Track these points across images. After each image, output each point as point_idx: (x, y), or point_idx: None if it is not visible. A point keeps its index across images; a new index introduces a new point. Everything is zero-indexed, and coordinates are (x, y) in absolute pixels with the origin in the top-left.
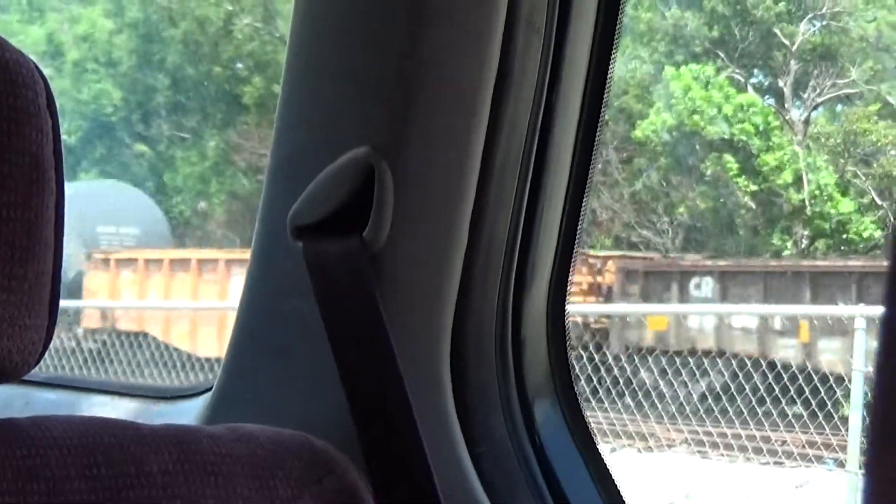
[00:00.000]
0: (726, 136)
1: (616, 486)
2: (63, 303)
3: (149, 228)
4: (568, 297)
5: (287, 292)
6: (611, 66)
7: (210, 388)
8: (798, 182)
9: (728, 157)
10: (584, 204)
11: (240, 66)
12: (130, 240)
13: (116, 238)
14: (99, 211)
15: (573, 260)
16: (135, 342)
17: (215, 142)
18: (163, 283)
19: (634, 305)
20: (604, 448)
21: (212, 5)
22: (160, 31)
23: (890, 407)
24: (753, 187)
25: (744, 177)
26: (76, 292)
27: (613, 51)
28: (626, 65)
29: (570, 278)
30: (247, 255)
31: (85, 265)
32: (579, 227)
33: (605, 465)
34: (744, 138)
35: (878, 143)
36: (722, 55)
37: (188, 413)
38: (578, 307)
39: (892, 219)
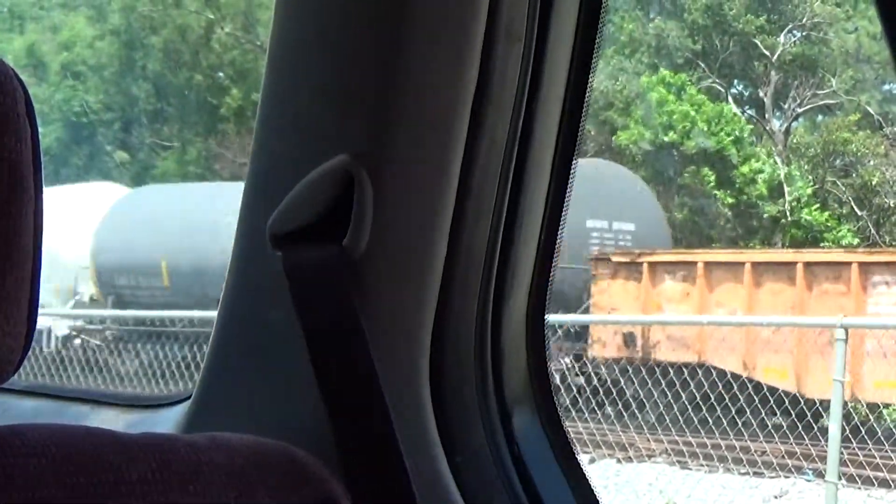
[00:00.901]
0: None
1: (594, 495)
2: (559, 318)
3: (647, 223)
4: (547, 307)
5: (266, 301)
6: (591, 75)
7: (189, 397)
8: (774, 193)
9: (706, 170)
10: (563, 213)
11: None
12: (626, 238)
13: (610, 236)
14: (591, 198)
15: (552, 269)
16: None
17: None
18: (735, 293)
19: (613, 316)
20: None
21: (193, 14)
22: (141, 39)
23: None
24: (730, 199)
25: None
26: (570, 302)
27: (593, 61)
28: (611, 77)
29: (549, 287)
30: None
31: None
32: (559, 236)
33: (583, 474)
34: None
35: (858, 154)
36: (703, 66)
37: (167, 421)
38: (557, 317)
39: (871, 228)
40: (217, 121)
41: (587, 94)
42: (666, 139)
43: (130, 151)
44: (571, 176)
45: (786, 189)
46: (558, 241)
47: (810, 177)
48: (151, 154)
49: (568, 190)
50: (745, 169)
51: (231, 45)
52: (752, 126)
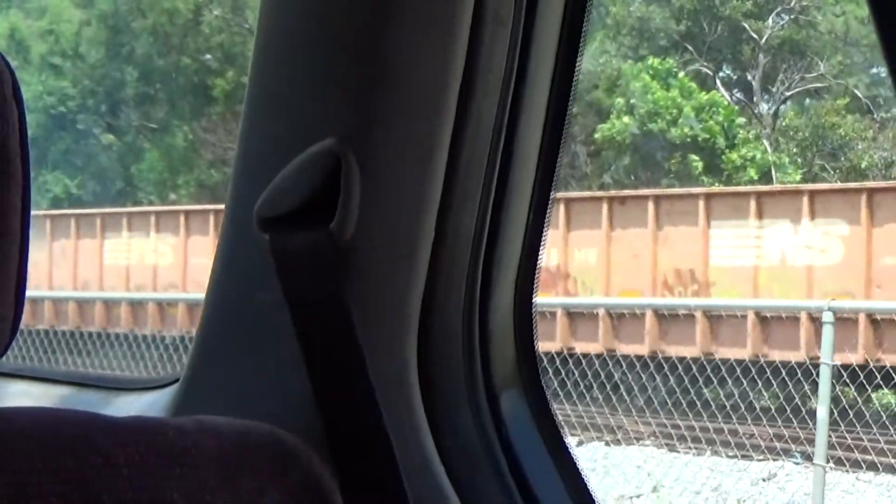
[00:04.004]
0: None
1: (582, 477)
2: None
3: None
4: (535, 290)
5: (254, 284)
6: (578, 59)
7: (177, 380)
8: (764, 179)
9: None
10: (551, 197)
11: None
12: None
13: None
14: None
15: (540, 253)
16: None
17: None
18: None
19: (602, 299)
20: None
21: None
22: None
23: None
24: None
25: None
26: None
27: (581, 44)
28: (595, 59)
29: (537, 271)
30: None
31: None
32: (546, 220)
33: (571, 457)
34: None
35: (846, 137)
36: (690, 49)
37: (155, 405)
38: (546, 299)
39: None
40: (206, 104)
41: (574, 79)
42: (653, 127)
43: (117, 134)
44: (559, 160)
45: (774, 176)
46: (546, 225)
47: (799, 160)
48: (138, 136)
49: (555, 174)
50: (733, 156)
51: (220, 27)
52: (740, 112)
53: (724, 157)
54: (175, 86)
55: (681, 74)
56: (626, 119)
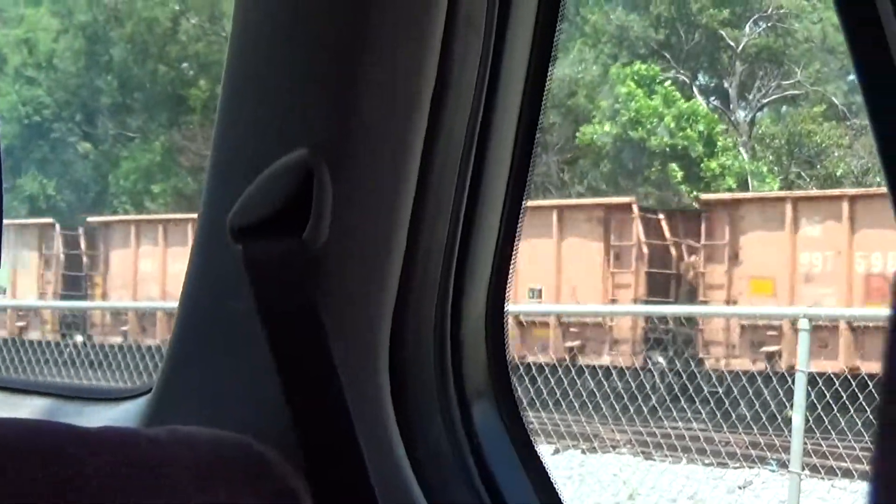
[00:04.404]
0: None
1: (553, 486)
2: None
3: None
4: (507, 299)
5: (227, 293)
6: (550, 66)
7: (150, 390)
8: (742, 187)
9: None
10: (523, 206)
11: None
12: None
13: None
14: None
15: (512, 261)
16: None
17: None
18: None
19: (573, 306)
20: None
21: (158, 4)
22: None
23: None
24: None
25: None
26: None
27: (553, 51)
28: (574, 66)
29: (509, 280)
30: None
31: None
32: (518, 228)
33: (542, 465)
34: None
35: (823, 145)
36: (668, 56)
37: (128, 415)
38: (519, 307)
39: None
40: (184, 112)
41: (546, 87)
42: (633, 134)
43: (94, 142)
44: (531, 167)
45: (751, 184)
46: (518, 233)
47: (775, 168)
48: (116, 145)
49: (528, 181)
50: (712, 164)
51: (197, 36)
52: (719, 119)
53: (703, 165)
54: (152, 94)
55: (667, 83)
56: (607, 127)
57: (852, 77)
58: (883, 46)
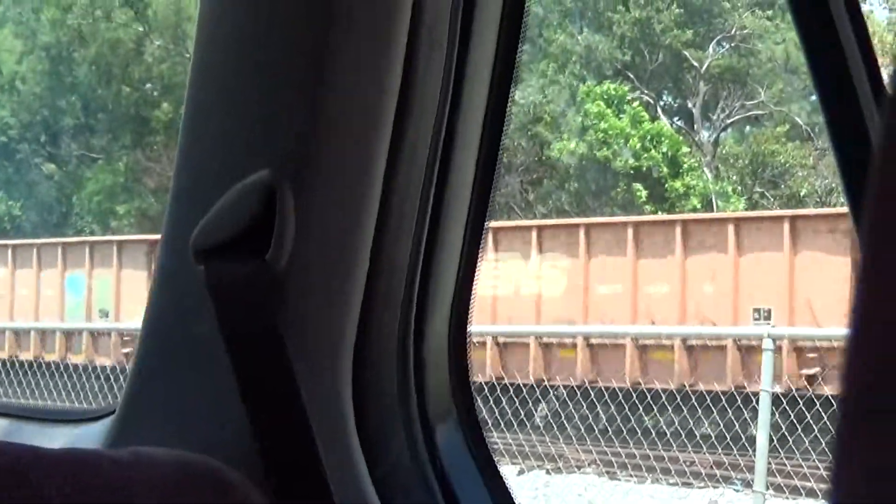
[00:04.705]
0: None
1: None
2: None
3: None
4: (470, 320)
5: (190, 315)
6: (513, 84)
7: (113, 411)
8: (708, 207)
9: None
10: (485, 226)
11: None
12: None
13: None
14: None
15: (474, 282)
16: None
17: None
18: None
19: (546, 327)
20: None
21: (122, 26)
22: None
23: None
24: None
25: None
26: None
27: (515, 69)
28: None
29: (472, 301)
30: None
31: None
32: (481, 249)
33: (505, 485)
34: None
35: (787, 165)
36: (632, 77)
37: (91, 436)
38: (483, 327)
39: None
40: (147, 133)
41: (509, 104)
42: (599, 154)
43: (59, 163)
44: (494, 187)
45: (715, 205)
46: (481, 252)
47: (739, 188)
48: (80, 166)
49: (490, 200)
50: (677, 184)
51: (161, 57)
52: (683, 140)
53: (667, 185)
54: (116, 115)
55: (635, 103)
56: (572, 145)
57: (816, 97)
58: (842, 66)
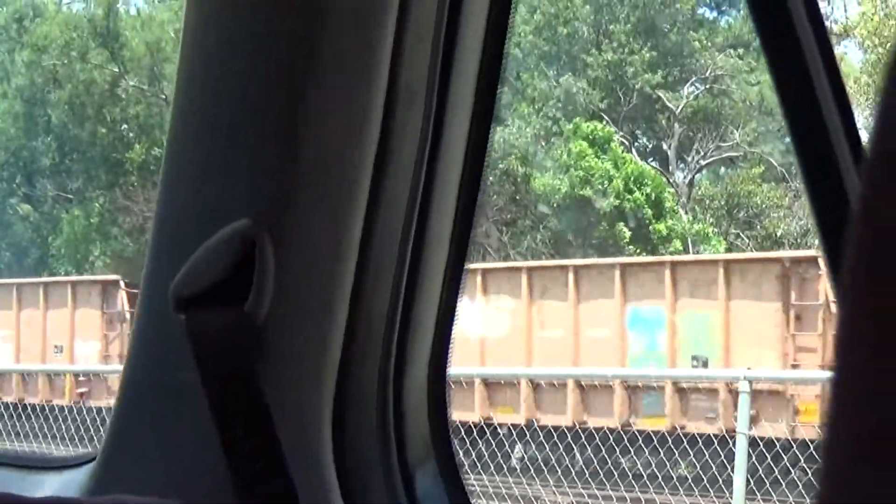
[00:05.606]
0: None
1: None
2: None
3: None
4: (448, 364)
5: (170, 362)
6: (490, 133)
7: (94, 458)
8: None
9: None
10: (463, 274)
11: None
12: None
13: None
14: None
15: (452, 330)
16: None
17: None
18: None
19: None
20: None
21: (97, 67)
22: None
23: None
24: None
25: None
26: None
27: (493, 118)
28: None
29: (449, 348)
30: None
31: None
32: (459, 293)
33: None
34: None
35: (762, 206)
36: (607, 119)
37: (72, 484)
38: (461, 369)
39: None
40: (122, 174)
41: (487, 152)
42: (582, 194)
43: (33, 204)
44: (471, 234)
45: (691, 246)
46: (459, 300)
47: (714, 229)
48: (55, 206)
49: (468, 248)
50: (660, 227)
51: (136, 98)
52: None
53: (651, 227)
54: (91, 156)
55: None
56: (559, 182)
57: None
58: (816, 109)
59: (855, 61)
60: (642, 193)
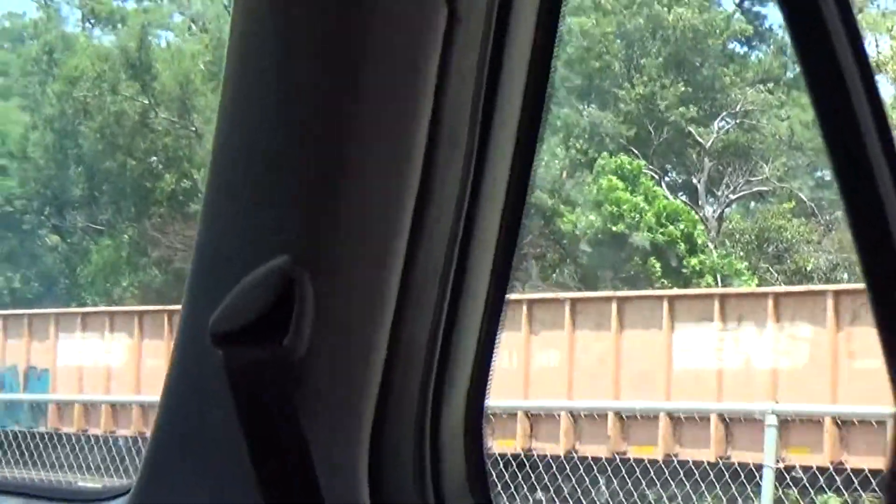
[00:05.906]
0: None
1: None
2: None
3: None
4: (486, 400)
5: (207, 397)
6: (531, 181)
7: (127, 492)
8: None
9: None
10: (504, 306)
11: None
12: None
13: None
14: None
15: (492, 364)
16: None
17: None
18: None
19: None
20: None
21: (128, 99)
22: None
23: None
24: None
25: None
26: None
27: (534, 167)
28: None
29: (488, 380)
30: None
31: None
32: (499, 329)
33: None
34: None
35: (793, 240)
36: (637, 153)
37: None
38: (497, 402)
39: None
40: (151, 204)
41: (527, 198)
42: (614, 228)
43: (62, 234)
44: (513, 269)
45: (719, 280)
46: (499, 333)
47: (746, 263)
48: (84, 238)
49: (509, 282)
50: (693, 261)
51: (166, 130)
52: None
53: (685, 262)
54: (121, 187)
55: (644, 178)
56: (591, 216)
57: (819, 173)
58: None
59: (886, 96)
60: (676, 228)
